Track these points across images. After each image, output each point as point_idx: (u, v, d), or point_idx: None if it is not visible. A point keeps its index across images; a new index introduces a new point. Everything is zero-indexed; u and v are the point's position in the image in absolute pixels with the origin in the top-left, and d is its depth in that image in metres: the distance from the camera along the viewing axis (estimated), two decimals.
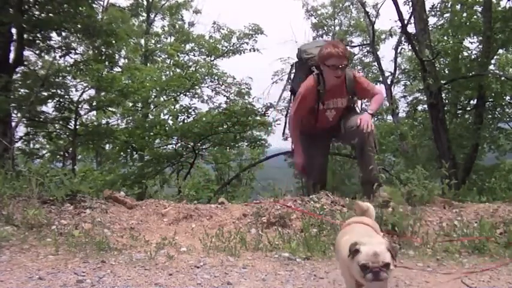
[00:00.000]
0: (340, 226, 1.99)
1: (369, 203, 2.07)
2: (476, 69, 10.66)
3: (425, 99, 10.42)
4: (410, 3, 10.02)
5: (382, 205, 3.12)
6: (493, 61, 11.86)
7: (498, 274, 2.36)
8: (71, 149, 9.07)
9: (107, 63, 9.14)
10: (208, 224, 3.08)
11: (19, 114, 7.64)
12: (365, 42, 20.49)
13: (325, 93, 3.69)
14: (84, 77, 8.92)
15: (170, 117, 12.00)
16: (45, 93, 8.32)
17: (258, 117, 10.62)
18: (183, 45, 17.88)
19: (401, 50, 17.89)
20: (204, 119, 10.57)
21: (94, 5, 8.41)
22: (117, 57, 11.03)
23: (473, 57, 11.59)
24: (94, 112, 11.23)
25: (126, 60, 14.52)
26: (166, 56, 17.74)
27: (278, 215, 3.07)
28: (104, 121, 11.97)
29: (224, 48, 16.30)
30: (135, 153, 11.18)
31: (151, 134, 10.60)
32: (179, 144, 11.10)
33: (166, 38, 19.63)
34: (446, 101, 11.43)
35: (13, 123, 7.39)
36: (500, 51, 12.07)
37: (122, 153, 10.98)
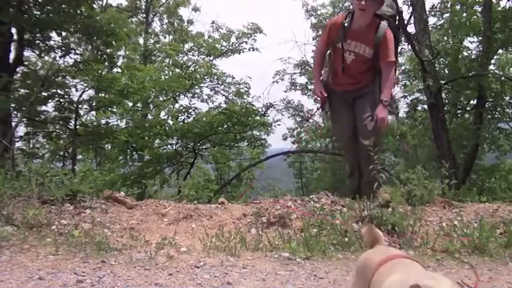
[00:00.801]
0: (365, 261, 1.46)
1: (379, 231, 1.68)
2: (476, 69, 10.66)
3: (425, 99, 10.42)
4: (410, 3, 10.02)
5: (383, 206, 3.13)
6: (493, 61, 11.87)
7: (498, 274, 2.36)
8: (71, 149, 9.07)
9: (106, 63, 9.14)
10: (208, 224, 3.08)
11: (19, 114, 7.64)
12: None
13: (349, 31, 3.51)
14: (84, 77, 8.92)
15: (170, 117, 12.01)
16: (45, 93, 8.32)
17: (258, 118, 10.63)
18: (182, 44, 17.86)
19: (401, 50, 17.89)
20: (204, 119, 10.58)
21: (94, 5, 8.42)
22: (116, 57, 11.03)
23: (473, 57, 11.60)
24: (94, 112, 11.23)
25: (125, 59, 14.52)
26: (165, 55, 17.73)
27: (278, 215, 3.07)
28: (103, 121, 11.98)
29: (223, 48, 16.29)
30: (135, 153, 11.19)
31: (151, 134, 10.61)
32: (179, 144, 11.11)
33: (165, 37, 19.63)
34: (446, 101, 11.43)
35: (13, 123, 7.39)
36: (500, 51, 12.08)
37: (121, 153, 10.98)
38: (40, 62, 10.67)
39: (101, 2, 14.19)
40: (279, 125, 12.23)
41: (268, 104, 11.88)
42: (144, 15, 19.24)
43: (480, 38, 11.20)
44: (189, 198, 3.88)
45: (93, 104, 9.89)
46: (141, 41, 18.15)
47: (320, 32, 21.71)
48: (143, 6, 18.94)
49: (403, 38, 9.98)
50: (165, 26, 19.33)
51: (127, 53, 15.19)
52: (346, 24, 3.52)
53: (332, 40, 3.63)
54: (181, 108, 11.70)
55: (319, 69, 3.82)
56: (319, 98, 3.79)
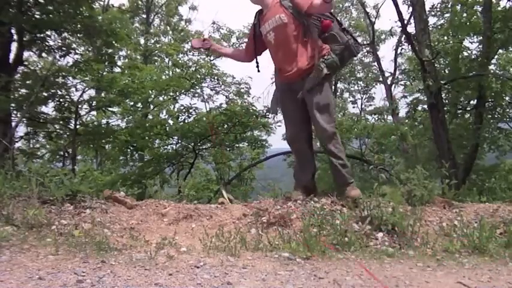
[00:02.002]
0: None
1: None
2: (476, 69, 10.67)
3: (425, 99, 10.43)
4: (410, 3, 10.02)
5: (353, 205, 3.17)
6: (493, 61, 11.87)
7: (498, 274, 2.36)
8: (71, 149, 9.06)
9: (106, 63, 9.14)
10: (208, 224, 3.08)
11: (19, 114, 7.64)
12: (365, 42, 20.49)
13: (261, 17, 3.39)
14: (84, 77, 8.92)
15: (170, 117, 12.01)
16: (45, 93, 8.32)
17: (259, 119, 10.63)
18: (182, 44, 17.88)
19: (401, 50, 17.93)
20: (204, 119, 10.58)
21: (94, 5, 8.41)
22: (116, 57, 11.03)
23: (473, 57, 11.61)
24: (94, 112, 11.24)
25: (126, 59, 14.53)
26: (165, 55, 17.74)
27: (278, 215, 3.07)
28: (104, 121, 11.98)
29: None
30: (135, 153, 11.19)
31: (152, 134, 10.61)
32: (179, 144, 11.11)
33: (165, 37, 19.64)
34: (446, 101, 11.44)
35: (13, 123, 7.39)
36: (500, 51, 12.08)
37: (122, 153, 10.98)
38: (40, 62, 10.67)
39: (102, 2, 14.20)
40: (279, 126, 12.21)
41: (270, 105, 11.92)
42: (145, 15, 19.26)
43: (480, 38, 11.21)
44: (189, 198, 3.88)
45: (93, 104, 9.89)
46: (141, 41, 18.17)
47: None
48: (144, 6, 18.96)
49: (403, 38, 9.96)
50: (163, 27, 19.33)
51: (128, 52, 15.20)
52: (260, 15, 3.42)
53: (257, 33, 3.46)
54: (182, 108, 11.69)
55: (230, 50, 3.86)
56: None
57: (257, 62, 3.61)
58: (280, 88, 3.49)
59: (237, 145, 11.84)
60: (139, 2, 18.53)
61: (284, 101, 3.48)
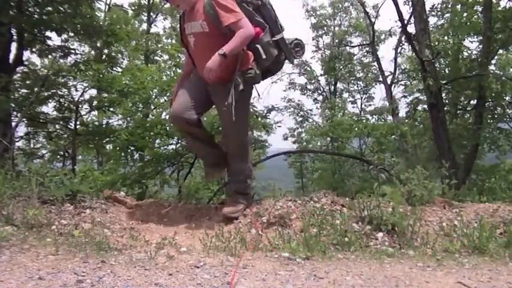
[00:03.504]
0: None
1: None
2: (476, 69, 10.67)
3: (425, 99, 10.43)
4: (410, 3, 10.02)
5: (226, 222, 2.98)
6: (493, 61, 11.87)
7: (498, 274, 2.36)
8: (71, 149, 9.06)
9: (106, 63, 9.14)
10: (208, 224, 3.08)
11: (19, 114, 7.64)
12: (365, 42, 20.51)
13: (187, 15, 3.11)
14: (85, 77, 8.92)
15: None
16: (45, 93, 8.31)
17: (259, 119, 10.61)
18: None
19: (401, 50, 17.94)
20: (205, 119, 10.57)
21: (97, 5, 8.41)
22: (119, 58, 11.00)
23: (473, 57, 11.61)
24: (96, 112, 11.22)
25: (127, 61, 14.53)
26: (167, 56, 17.72)
27: (278, 215, 3.07)
28: (104, 121, 11.97)
29: None
30: (135, 153, 11.18)
31: (152, 134, 10.59)
32: (179, 145, 11.10)
33: (167, 39, 19.63)
34: (446, 101, 11.44)
35: (13, 123, 7.39)
36: (501, 51, 12.08)
37: (122, 153, 10.97)
38: (40, 63, 10.67)
39: (104, 1, 14.19)
40: (279, 126, 12.22)
41: (270, 106, 11.95)
42: (146, 15, 19.24)
43: (480, 38, 11.22)
44: (189, 198, 3.88)
45: (94, 104, 9.88)
46: (143, 41, 18.14)
47: (320, 32, 21.79)
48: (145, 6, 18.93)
49: (403, 38, 9.97)
50: (167, 30, 19.32)
51: (130, 53, 15.19)
52: (184, 12, 3.15)
53: (181, 29, 3.20)
54: None
55: (181, 79, 3.36)
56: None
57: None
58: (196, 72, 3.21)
59: None
60: (143, 0, 18.51)
61: (192, 78, 3.23)
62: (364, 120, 16.32)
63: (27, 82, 8.00)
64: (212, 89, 3.08)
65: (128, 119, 12.11)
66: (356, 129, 14.42)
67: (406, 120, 15.22)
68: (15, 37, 7.20)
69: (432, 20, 12.89)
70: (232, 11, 2.89)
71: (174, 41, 18.57)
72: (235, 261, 2.36)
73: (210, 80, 2.91)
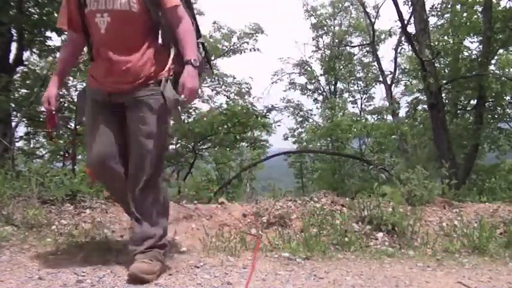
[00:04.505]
0: None
1: None
2: (476, 69, 10.67)
3: (426, 99, 10.44)
4: (410, 3, 10.03)
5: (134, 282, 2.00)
6: (493, 61, 11.88)
7: (498, 274, 2.36)
8: (71, 149, 9.06)
9: None
10: (208, 224, 3.08)
11: (19, 114, 7.64)
12: (365, 42, 20.51)
13: None
14: (84, 77, 8.92)
15: None
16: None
17: (259, 119, 10.63)
18: None
19: (401, 50, 17.94)
20: (205, 119, 10.58)
21: None
22: None
23: (473, 57, 11.61)
24: None
25: None
26: None
27: (278, 215, 3.07)
28: None
29: (225, 47, 16.31)
30: None
31: None
32: (179, 145, 11.11)
33: None
34: (446, 101, 11.45)
35: (13, 123, 7.39)
36: (501, 51, 12.09)
37: None
38: (40, 62, 10.66)
39: None
40: (279, 125, 12.26)
41: (270, 106, 11.99)
42: None
43: (480, 38, 11.22)
44: (189, 198, 3.88)
45: None
46: None
47: (320, 32, 21.80)
48: None
49: (403, 38, 9.98)
50: None
51: None
52: None
53: (73, 7, 2.17)
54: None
55: (61, 67, 2.34)
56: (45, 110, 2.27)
57: (90, 46, 2.26)
58: (93, 95, 2.25)
59: (237, 145, 11.84)
60: None
61: (95, 111, 2.22)
62: (363, 121, 16.32)
63: (27, 82, 8.00)
64: (129, 101, 2.15)
65: None
66: (355, 129, 14.43)
67: (406, 120, 15.23)
68: (15, 37, 7.20)
69: (432, 20, 12.91)
70: None
71: None
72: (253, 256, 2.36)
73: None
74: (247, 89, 15.17)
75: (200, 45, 2.33)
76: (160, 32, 2.27)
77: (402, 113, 16.47)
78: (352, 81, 22.12)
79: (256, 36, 15.77)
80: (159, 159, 2.20)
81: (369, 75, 21.52)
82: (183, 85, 2.04)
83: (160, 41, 2.29)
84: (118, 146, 2.18)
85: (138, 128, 2.12)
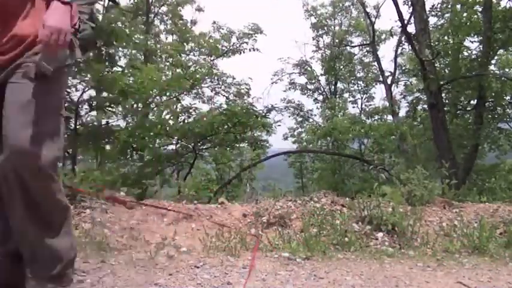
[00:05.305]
0: None
1: None
2: (476, 69, 10.66)
3: (426, 99, 10.43)
4: (410, 3, 10.02)
5: None
6: (493, 61, 11.87)
7: (498, 274, 2.36)
8: (71, 149, 9.06)
9: (107, 63, 9.12)
10: (208, 224, 3.08)
11: None
12: (365, 42, 20.51)
13: None
14: (85, 77, 8.91)
15: (171, 117, 12.02)
16: None
17: (259, 119, 10.63)
18: (185, 43, 17.86)
19: (401, 50, 17.92)
20: (204, 119, 10.58)
21: (97, 5, 8.39)
22: (119, 56, 10.99)
23: (473, 57, 11.60)
24: (95, 112, 11.23)
25: (129, 59, 14.54)
26: (166, 55, 17.72)
27: (278, 215, 3.07)
28: (104, 121, 11.96)
29: (224, 48, 16.31)
30: (135, 153, 11.18)
31: (152, 134, 10.60)
32: (179, 145, 11.12)
33: (166, 38, 19.62)
34: (446, 101, 11.43)
35: None
36: (501, 51, 12.08)
37: (122, 153, 10.99)
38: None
39: (102, 2, 14.19)
40: (279, 125, 12.25)
41: (270, 106, 12.01)
42: (145, 16, 19.23)
43: (480, 38, 11.21)
44: (189, 198, 3.88)
45: (93, 104, 9.87)
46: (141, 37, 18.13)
47: (320, 32, 21.80)
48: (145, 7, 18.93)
49: (403, 38, 9.97)
50: (168, 26, 19.31)
51: (133, 52, 15.20)
52: None
53: None
54: (182, 108, 11.72)
55: None
56: None
57: None
58: None
59: (237, 145, 11.84)
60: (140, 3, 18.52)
61: None
62: (362, 121, 16.33)
63: None
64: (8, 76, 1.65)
65: (128, 119, 12.12)
66: (353, 131, 14.44)
67: (406, 120, 15.23)
68: None
69: (432, 20, 12.89)
70: None
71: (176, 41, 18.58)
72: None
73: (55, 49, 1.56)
74: (246, 90, 15.16)
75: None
76: None
77: (402, 113, 16.48)
78: (353, 81, 22.12)
79: (255, 36, 15.77)
80: None
81: (369, 75, 21.51)
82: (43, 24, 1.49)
83: None
84: None
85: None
